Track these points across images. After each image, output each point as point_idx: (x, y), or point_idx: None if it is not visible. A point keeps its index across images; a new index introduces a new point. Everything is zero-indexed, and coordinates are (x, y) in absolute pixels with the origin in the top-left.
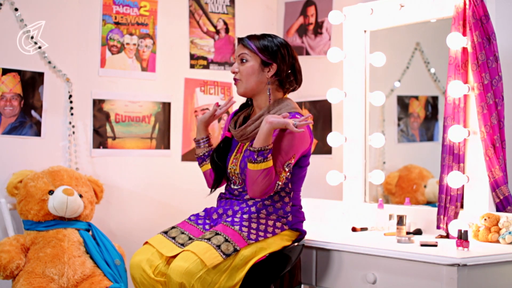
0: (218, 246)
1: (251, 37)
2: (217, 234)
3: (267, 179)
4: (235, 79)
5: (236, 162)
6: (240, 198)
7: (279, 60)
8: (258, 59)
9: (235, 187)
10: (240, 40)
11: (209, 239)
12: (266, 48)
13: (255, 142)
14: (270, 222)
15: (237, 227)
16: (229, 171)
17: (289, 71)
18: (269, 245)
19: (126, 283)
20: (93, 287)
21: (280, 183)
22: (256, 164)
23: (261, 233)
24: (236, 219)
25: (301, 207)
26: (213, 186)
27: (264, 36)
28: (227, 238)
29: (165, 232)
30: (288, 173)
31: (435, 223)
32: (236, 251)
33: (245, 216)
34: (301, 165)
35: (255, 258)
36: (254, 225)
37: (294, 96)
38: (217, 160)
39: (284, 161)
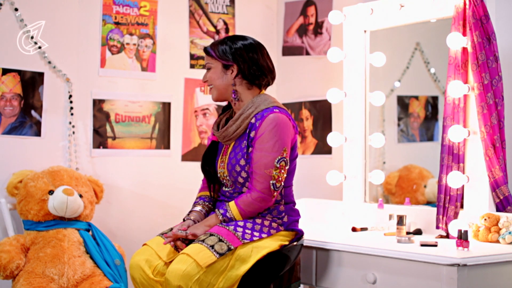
0: (212, 246)
1: (213, 44)
2: (211, 235)
3: (250, 206)
4: (208, 86)
5: (223, 165)
6: (232, 200)
7: (237, 60)
8: (219, 64)
9: (227, 189)
10: (204, 49)
11: (203, 241)
12: (224, 52)
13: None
14: (266, 223)
15: (231, 227)
16: (219, 175)
17: (254, 68)
18: (265, 246)
19: (126, 283)
20: (93, 287)
21: (274, 181)
22: (237, 219)
23: (256, 233)
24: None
25: (294, 204)
26: (210, 191)
27: (224, 41)
28: (221, 238)
29: (163, 234)
30: (283, 169)
31: (435, 223)
32: (230, 250)
33: None
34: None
35: (252, 259)
36: (249, 225)
37: (295, 97)
38: (206, 167)
39: (272, 159)
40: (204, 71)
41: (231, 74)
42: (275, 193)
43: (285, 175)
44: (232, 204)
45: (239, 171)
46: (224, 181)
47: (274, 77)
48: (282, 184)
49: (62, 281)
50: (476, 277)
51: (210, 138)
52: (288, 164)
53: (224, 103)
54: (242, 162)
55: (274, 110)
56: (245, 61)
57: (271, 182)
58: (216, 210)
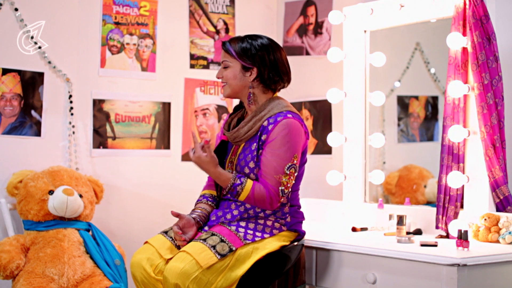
0: (213, 247)
1: (232, 41)
2: (213, 234)
3: (259, 198)
4: (222, 82)
5: (232, 166)
6: (238, 200)
7: (258, 64)
8: (238, 64)
9: None
10: (223, 45)
11: (204, 240)
12: (245, 53)
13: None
14: (269, 223)
15: (233, 227)
16: None
17: (273, 72)
18: (265, 246)
19: (126, 283)
20: (93, 287)
21: (283, 188)
22: (238, 198)
23: (258, 233)
24: (233, 220)
25: (299, 207)
26: (217, 190)
27: (244, 39)
28: (222, 238)
29: (165, 232)
30: (292, 176)
31: (435, 223)
32: (231, 251)
33: (244, 215)
34: None
35: (251, 259)
36: (251, 225)
37: (295, 97)
38: None
39: (283, 165)
40: (204, 71)
41: (249, 76)
42: (281, 199)
43: (293, 182)
44: (249, 184)
45: (248, 173)
46: None
47: (289, 81)
48: (290, 190)
49: (62, 281)
50: (476, 277)
51: (219, 137)
52: (297, 170)
53: (224, 103)
54: (252, 164)
55: (288, 115)
56: (266, 66)
57: (280, 188)
58: (234, 175)
